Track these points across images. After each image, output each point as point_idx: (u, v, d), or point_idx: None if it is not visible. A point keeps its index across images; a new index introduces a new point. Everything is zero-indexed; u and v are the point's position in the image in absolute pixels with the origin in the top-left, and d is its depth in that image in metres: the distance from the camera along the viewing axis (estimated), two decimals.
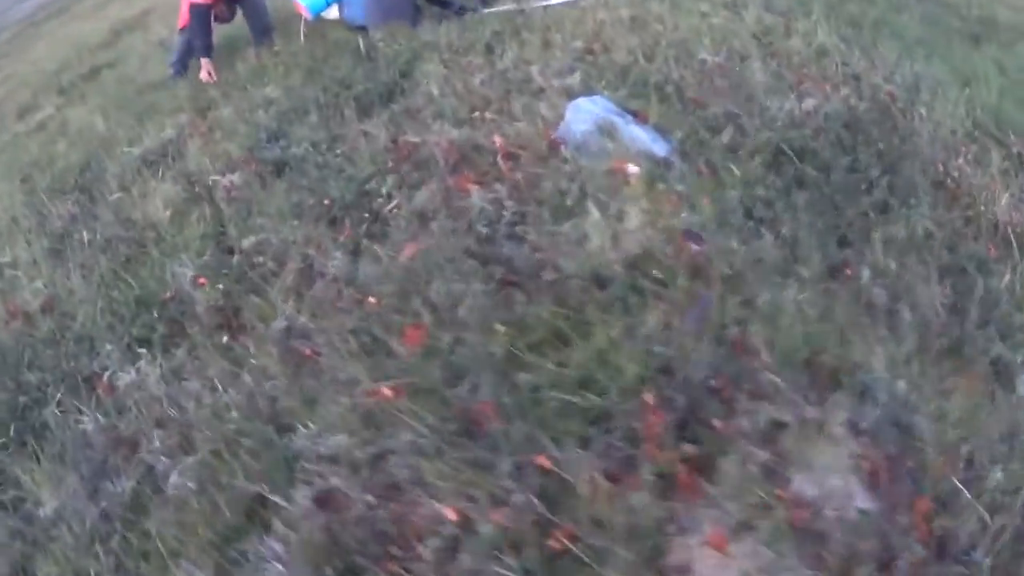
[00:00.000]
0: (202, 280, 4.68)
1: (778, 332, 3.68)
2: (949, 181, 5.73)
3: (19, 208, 6.85)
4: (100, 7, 15.63)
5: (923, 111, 6.29)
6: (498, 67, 6.47)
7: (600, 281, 3.94)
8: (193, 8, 8.27)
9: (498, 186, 4.73)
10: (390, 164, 5.18)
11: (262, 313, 4.28)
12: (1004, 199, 5.67)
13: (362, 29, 8.05)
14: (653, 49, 6.49)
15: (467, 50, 6.99)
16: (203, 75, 8.37)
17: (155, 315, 4.61)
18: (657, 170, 4.66)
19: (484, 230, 4.39)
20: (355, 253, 4.54)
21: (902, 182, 5.48)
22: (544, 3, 7.95)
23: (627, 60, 6.28)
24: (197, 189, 5.76)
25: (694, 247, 4.11)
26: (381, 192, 4.93)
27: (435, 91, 6.18)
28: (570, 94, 5.71)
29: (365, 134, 5.81)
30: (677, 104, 5.64)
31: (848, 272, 4.53)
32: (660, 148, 5.00)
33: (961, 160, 5.98)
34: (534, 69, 6.25)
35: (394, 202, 4.81)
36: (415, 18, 8.11)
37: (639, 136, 5.03)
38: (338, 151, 5.63)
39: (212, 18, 8.41)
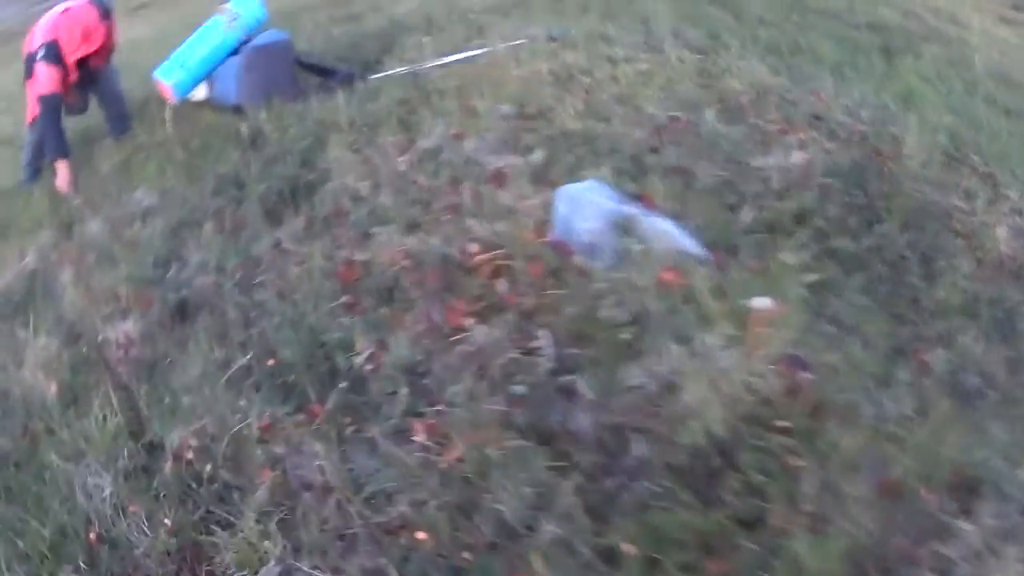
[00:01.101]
0: (133, 507, 3.15)
1: (919, 457, 2.85)
2: (955, 223, 4.79)
3: None
4: None
5: (904, 150, 5.25)
6: (423, 145, 5.11)
7: (720, 448, 2.70)
8: (42, 100, 6.58)
9: (501, 317, 3.41)
10: (344, 299, 3.78)
11: (242, 557, 2.83)
12: (1002, 231, 4.85)
13: (236, 109, 6.56)
14: (597, 108, 5.27)
15: (375, 127, 5.57)
16: (60, 183, 6.61)
17: (81, 565, 3.00)
18: (713, 275, 3.44)
19: (519, 389, 3.08)
20: (340, 441, 3.15)
21: (926, 237, 4.54)
22: (437, 63, 6.63)
23: (578, 126, 5.02)
24: (83, 347, 4.21)
25: (803, 374, 2.93)
26: (345, 340, 3.53)
27: (356, 183, 4.78)
28: (539, 177, 4.43)
29: (285, 251, 4.39)
30: (669, 177, 4.43)
31: (922, 356, 3.71)
32: (691, 243, 3.76)
33: (955, 198, 5.01)
34: (469, 145, 4.93)
35: (366, 353, 3.42)
36: (295, 91, 6.65)
37: (666, 230, 3.76)
38: (258, 279, 4.19)
39: (63, 110, 6.81)
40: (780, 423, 2.78)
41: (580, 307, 3.34)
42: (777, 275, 3.59)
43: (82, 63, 6.77)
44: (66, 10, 6.71)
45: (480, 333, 3.30)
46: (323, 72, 6.98)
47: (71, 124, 7.06)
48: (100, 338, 4.19)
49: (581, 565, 2.50)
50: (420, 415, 3.09)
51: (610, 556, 2.53)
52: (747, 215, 4.09)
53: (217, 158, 5.78)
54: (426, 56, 6.73)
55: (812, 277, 3.74)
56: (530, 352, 3.19)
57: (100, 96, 7.11)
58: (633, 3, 8.00)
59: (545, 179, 4.35)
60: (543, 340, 3.20)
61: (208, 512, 3.06)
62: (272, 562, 2.74)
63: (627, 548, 2.48)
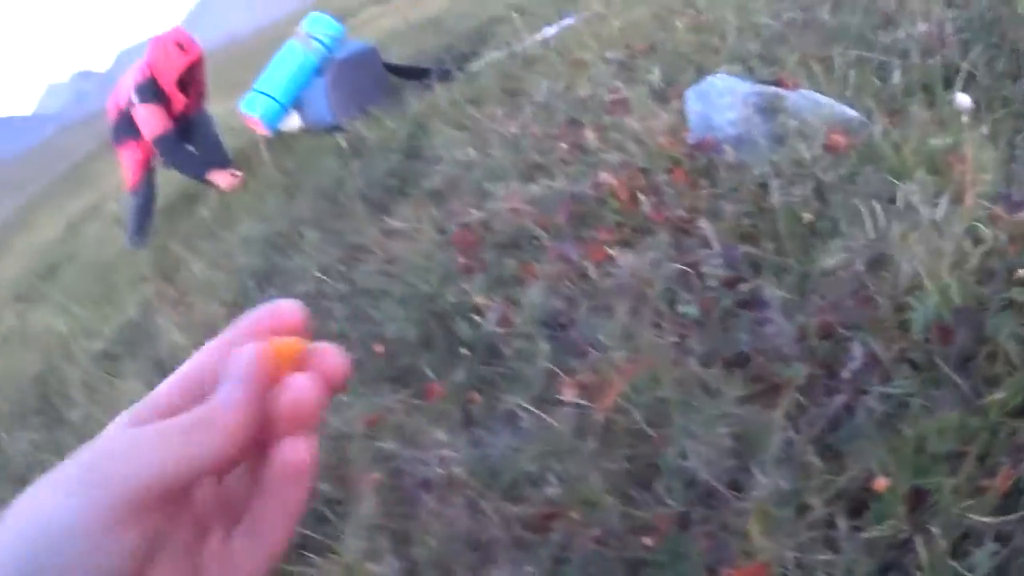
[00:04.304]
0: None
1: None
2: None
3: None
4: (57, 209, 13.52)
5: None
6: (533, 103, 4.22)
7: (963, 320, 1.72)
8: (156, 142, 6.02)
9: (651, 239, 2.48)
10: (460, 261, 2.89)
11: None
12: None
13: (333, 129, 5.78)
14: (710, 26, 4.26)
15: (479, 103, 4.72)
16: (225, 184, 6.12)
17: None
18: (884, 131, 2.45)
19: (689, 310, 2.14)
20: (467, 423, 2.24)
21: None
22: (534, 39, 5.76)
23: (693, 39, 4.06)
24: None
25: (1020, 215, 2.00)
26: (465, 305, 2.63)
27: (468, 154, 3.89)
28: (663, 95, 3.49)
29: (391, 232, 3.53)
30: (805, 63, 3.42)
31: None
32: (848, 111, 2.76)
33: None
34: (582, 91, 4.02)
35: (494, 315, 2.51)
36: (389, 97, 5.83)
37: (818, 101, 2.78)
38: (365, 267, 3.32)
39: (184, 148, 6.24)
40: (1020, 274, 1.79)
41: (743, 203, 2.39)
42: (952, 120, 2.56)
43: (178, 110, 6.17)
44: (151, 41, 6.12)
45: (628, 260, 2.37)
46: (417, 73, 6.16)
47: (172, 180, 6.50)
48: None
49: (813, 522, 1.54)
50: (569, 373, 2.17)
51: (854, 500, 1.57)
52: (898, 78, 3.05)
53: (317, 173, 5.02)
54: (522, 37, 5.86)
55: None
56: (694, 267, 2.25)
57: (197, 141, 6.45)
58: None
59: (670, 95, 3.41)
60: (708, 247, 2.25)
61: (305, 538, 2.19)
62: None
63: (879, 483, 1.52)
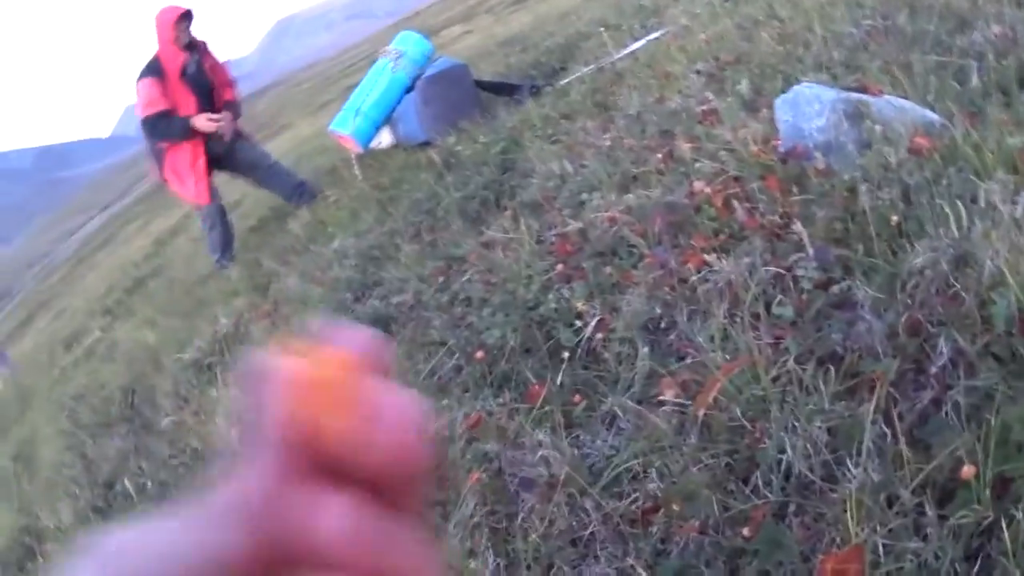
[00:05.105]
0: None
1: None
2: None
3: (63, 454, 4.89)
4: (143, 227, 13.95)
5: None
6: (628, 112, 4.34)
7: None
8: (144, 123, 6.11)
9: (747, 244, 2.58)
10: (559, 269, 3.02)
11: None
12: None
13: (425, 145, 5.95)
14: (793, 36, 4.34)
15: (571, 116, 4.85)
16: (204, 126, 6.12)
17: None
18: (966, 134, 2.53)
19: (784, 312, 2.24)
20: (568, 425, 2.35)
21: None
22: (622, 53, 5.87)
23: (780, 50, 4.15)
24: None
25: None
26: (566, 312, 2.75)
27: (563, 166, 4.01)
28: (752, 105, 3.59)
29: (490, 244, 3.66)
30: (887, 69, 3.49)
31: None
32: (930, 115, 2.87)
33: None
34: (673, 103, 4.13)
35: (594, 320, 2.62)
36: (480, 113, 5.97)
37: (901, 106, 2.89)
38: (465, 278, 3.46)
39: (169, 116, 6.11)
40: None
41: (834, 207, 2.49)
42: None
43: (208, 99, 6.25)
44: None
45: (724, 265, 2.48)
46: (507, 89, 6.30)
47: (262, 198, 6.62)
48: None
49: (903, 511, 1.64)
50: (668, 374, 2.27)
51: (942, 489, 1.66)
52: (975, 80, 3.11)
53: (411, 188, 5.17)
54: (610, 51, 5.97)
55: None
56: (788, 270, 2.36)
57: (258, 174, 6.65)
58: None
59: (759, 105, 3.52)
60: (801, 251, 2.35)
61: None
62: None
63: (966, 472, 1.61)
